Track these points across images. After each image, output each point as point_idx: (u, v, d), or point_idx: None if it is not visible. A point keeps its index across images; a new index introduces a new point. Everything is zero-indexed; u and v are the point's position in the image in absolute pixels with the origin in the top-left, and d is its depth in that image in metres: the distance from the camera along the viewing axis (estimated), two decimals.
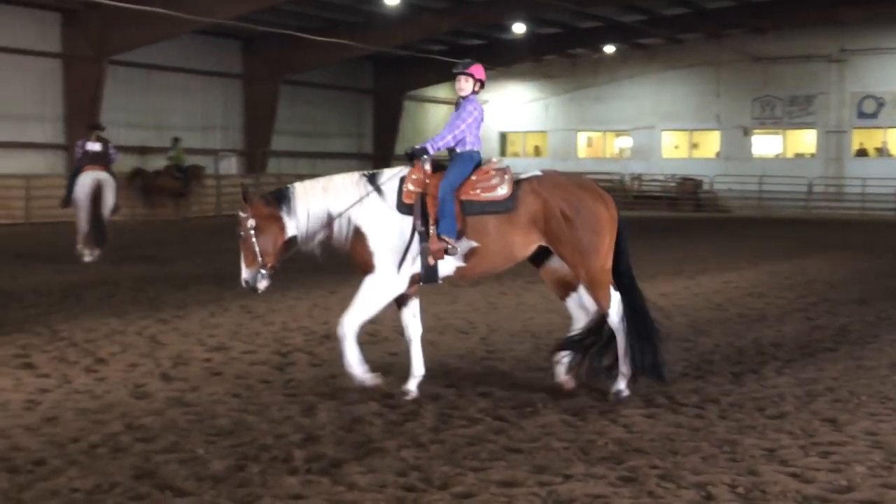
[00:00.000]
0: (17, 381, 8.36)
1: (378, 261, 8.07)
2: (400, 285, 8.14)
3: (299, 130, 41.72)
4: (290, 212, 8.17)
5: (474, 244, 8.02)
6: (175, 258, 19.27)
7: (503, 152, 50.98)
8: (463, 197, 8.01)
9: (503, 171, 8.18)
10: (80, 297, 13.51)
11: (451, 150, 8.25)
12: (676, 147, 47.34)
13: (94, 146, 18.84)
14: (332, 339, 10.50)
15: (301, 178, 30.37)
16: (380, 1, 34.03)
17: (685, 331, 11.35)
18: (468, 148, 8.23)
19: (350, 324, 8.15)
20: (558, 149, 49.10)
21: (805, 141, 44.27)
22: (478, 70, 8.41)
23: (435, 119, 49.90)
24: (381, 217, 8.09)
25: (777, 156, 44.80)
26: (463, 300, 13.74)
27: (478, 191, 8.03)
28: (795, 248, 22.71)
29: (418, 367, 8.26)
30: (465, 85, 8.34)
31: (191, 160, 34.20)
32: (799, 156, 44.45)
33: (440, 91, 49.36)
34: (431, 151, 8.14)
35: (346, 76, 43.91)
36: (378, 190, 8.16)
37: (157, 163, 33.07)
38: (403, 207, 8.06)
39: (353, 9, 36.30)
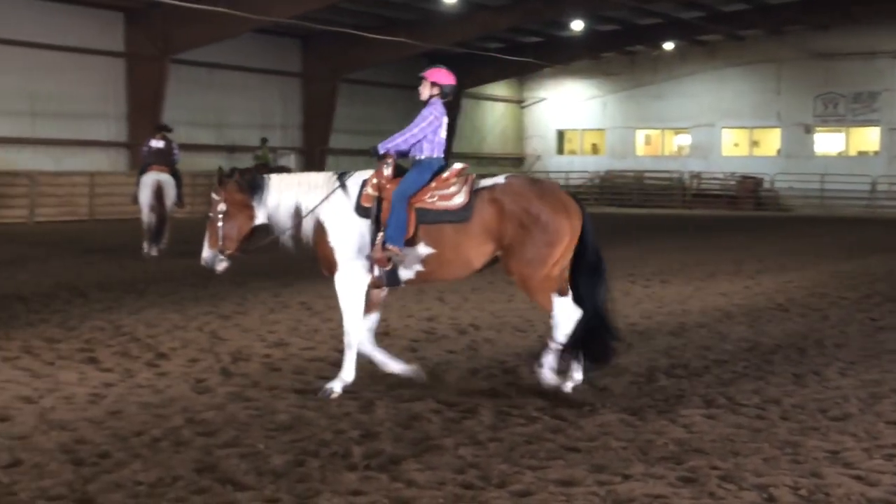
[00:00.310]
0: (82, 375, 8.50)
1: (339, 258, 8.12)
2: (365, 279, 8.12)
3: (357, 128, 41.90)
4: (261, 202, 8.30)
5: (432, 251, 7.97)
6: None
7: (560, 150, 50.83)
8: (419, 205, 7.95)
9: (464, 178, 8.06)
10: (142, 293, 13.70)
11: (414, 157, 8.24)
12: (736, 145, 46.79)
13: (158, 144, 19.46)
14: (389, 336, 10.57)
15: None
16: None
17: (745, 331, 11.23)
18: (426, 154, 8.17)
19: (351, 332, 8.18)
20: (616, 147, 48.79)
21: (868, 138, 43.51)
22: (435, 74, 8.39)
23: (493, 117, 49.86)
24: (342, 216, 8.13)
25: (839, 154, 44.09)
26: (520, 297, 13.69)
27: (434, 199, 7.96)
28: (858, 248, 22.37)
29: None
30: (422, 90, 8.35)
31: (248, 159, 34.56)
32: (862, 154, 43.70)
33: (498, 89, 49.31)
34: (381, 151, 8.19)
35: (403, 74, 43.95)
36: (344, 189, 8.20)
37: (245, 162, 33.42)
38: (361, 210, 8.08)
39: (411, 7, 36.38)
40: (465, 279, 8.60)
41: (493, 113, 49.93)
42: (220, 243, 8.32)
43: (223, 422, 7.06)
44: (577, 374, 8.05)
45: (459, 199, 7.91)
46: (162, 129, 20.02)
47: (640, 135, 49.10)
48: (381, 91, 42.93)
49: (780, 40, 43.54)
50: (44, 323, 11.10)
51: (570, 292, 8.03)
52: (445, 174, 8.06)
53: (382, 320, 11.50)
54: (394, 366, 8.31)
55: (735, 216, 36.82)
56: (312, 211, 8.15)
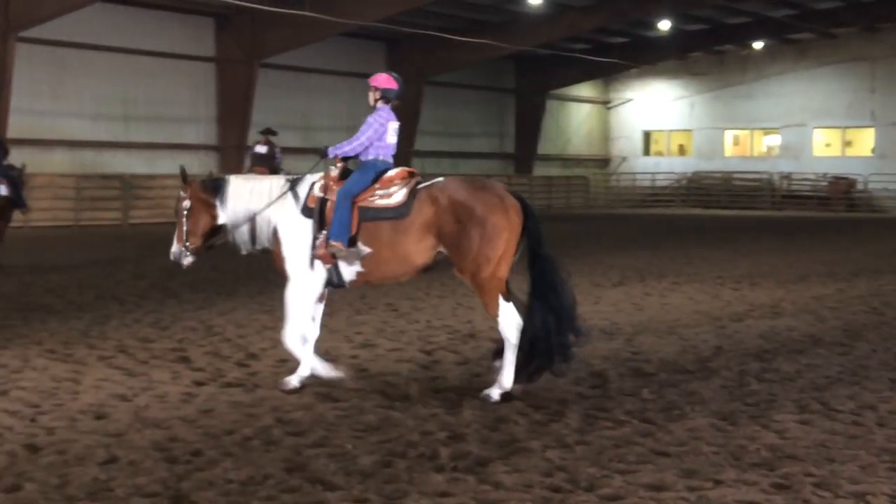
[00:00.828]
0: (175, 374, 8.66)
1: (289, 265, 8.30)
2: (317, 284, 8.26)
3: (442, 130, 42.04)
4: (223, 202, 8.56)
5: (369, 250, 8.04)
6: None
7: (647, 151, 50.37)
8: (361, 203, 8.06)
9: (407, 178, 8.18)
10: (231, 294, 13.91)
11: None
12: (828, 145, 45.84)
13: (261, 149, 20.61)
14: (476, 338, 10.57)
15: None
16: (523, 0, 34.01)
17: (839, 335, 10.98)
18: (372, 157, 8.34)
19: (289, 337, 8.37)
20: (703, 148, 48.17)
21: None
22: (377, 80, 8.58)
23: (577, 118, 49.59)
24: (291, 220, 8.28)
25: None
26: (606, 301, 13.61)
27: (375, 198, 8.08)
28: None
29: (304, 367, 8.30)
30: (369, 96, 8.55)
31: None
32: None
33: (583, 90, 49.03)
34: (330, 155, 8.42)
35: (488, 76, 44.04)
36: (294, 193, 8.35)
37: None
38: (307, 211, 8.21)
39: (496, 9, 36.38)
40: (408, 280, 8.55)
41: (578, 114, 49.65)
42: (184, 238, 8.62)
43: (312, 422, 7.13)
44: (506, 382, 7.87)
45: (398, 198, 8.04)
46: (266, 133, 21.00)
47: (729, 135, 48.40)
48: (465, 93, 43.00)
49: (873, 38, 42.54)
50: (137, 323, 11.35)
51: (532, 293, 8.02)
52: (389, 174, 8.24)
53: (467, 322, 11.56)
54: (321, 370, 8.35)
55: (827, 218, 36.07)
56: (258, 214, 8.39)
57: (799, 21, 39.29)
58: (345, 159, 8.46)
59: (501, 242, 7.82)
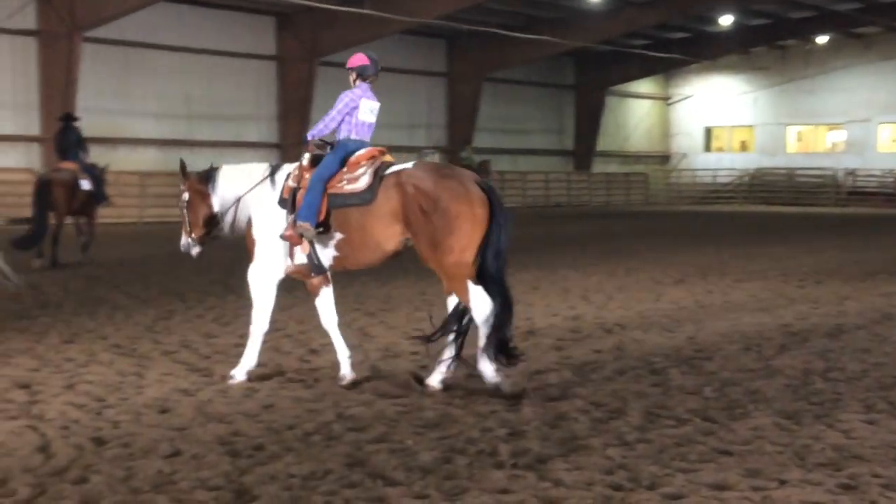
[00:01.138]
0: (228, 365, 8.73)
1: (258, 250, 8.42)
2: (277, 273, 8.42)
3: (501, 127, 41.99)
4: (214, 190, 8.77)
5: (342, 235, 8.08)
6: None
7: (707, 147, 49.88)
8: (331, 190, 8.07)
9: (374, 159, 8.16)
10: (290, 290, 13.97)
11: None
12: (894, 140, 44.99)
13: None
14: (535, 335, 10.53)
15: (502, 174, 31.14)
16: None
17: None
18: (343, 135, 8.31)
19: (256, 321, 8.48)
20: (766, 144, 47.58)
21: None
22: (351, 61, 8.61)
23: (637, 114, 49.25)
24: (267, 208, 8.36)
25: None
26: (667, 298, 13.49)
27: (343, 183, 8.07)
28: None
29: (343, 351, 8.39)
30: (349, 80, 8.58)
31: (395, 158, 35.06)
32: None
33: (643, 86, 48.68)
34: (308, 139, 8.44)
35: (547, 72, 43.89)
36: (272, 180, 8.47)
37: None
38: (282, 202, 8.29)
39: (555, 5, 36.25)
40: (381, 264, 8.52)
41: (638, 110, 49.30)
42: (189, 230, 8.94)
43: (372, 417, 7.15)
44: (439, 374, 7.99)
45: (363, 182, 8.00)
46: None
47: (792, 131, 47.75)
48: (524, 89, 42.91)
49: None
50: (200, 318, 11.48)
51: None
52: (354, 157, 8.16)
53: (526, 319, 11.53)
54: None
55: (893, 215, 35.40)
56: (241, 198, 8.55)
57: (864, 14, 38.60)
58: (322, 146, 8.43)
59: (464, 232, 7.69)
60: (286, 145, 33.17)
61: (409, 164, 8.10)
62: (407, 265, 17.19)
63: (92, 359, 9.09)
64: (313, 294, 8.63)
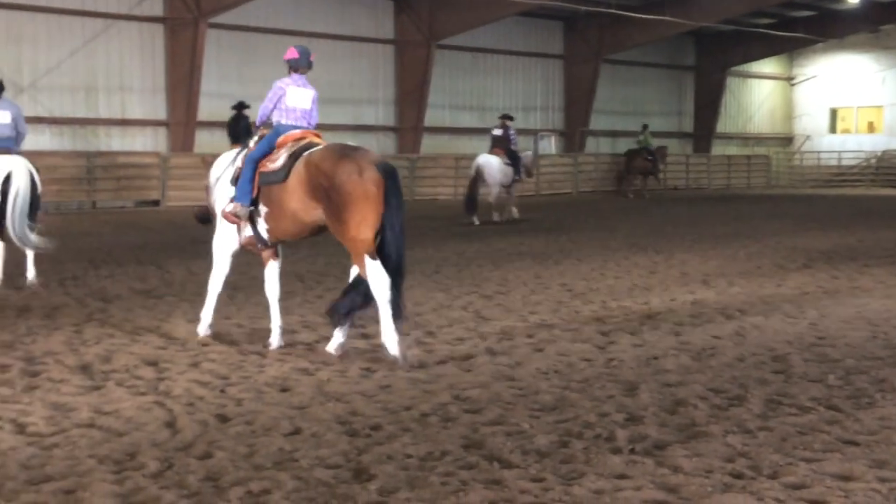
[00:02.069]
0: (356, 350, 8.86)
1: (216, 224, 9.28)
2: (232, 245, 9.21)
3: (618, 109, 41.53)
4: (209, 175, 9.67)
5: (266, 210, 8.76)
6: (491, 236, 19.73)
7: (833, 129, 48.46)
8: (261, 169, 8.75)
9: (297, 143, 8.77)
10: (407, 272, 14.10)
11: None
12: None
13: (497, 132, 22.93)
14: (653, 319, 10.42)
15: (616, 157, 30.87)
16: None
17: None
18: (276, 120, 8.98)
19: (211, 281, 9.35)
20: (895, 124, 45.93)
21: None
22: (285, 55, 9.33)
23: (759, 95, 48.11)
24: (224, 187, 9.19)
25: None
26: (790, 283, 13.18)
27: (267, 162, 8.74)
28: None
29: (276, 320, 9.08)
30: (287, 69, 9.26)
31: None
32: None
33: (766, 66, 47.53)
34: (258, 124, 9.29)
35: (666, 53, 43.20)
36: (234, 163, 9.17)
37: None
38: (233, 181, 9.04)
39: None
40: (309, 235, 9.00)
41: (760, 91, 48.16)
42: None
43: (488, 400, 7.17)
44: (340, 338, 8.61)
45: (280, 162, 8.65)
46: (504, 118, 23.12)
47: None
48: (643, 71, 42.33)
49: None
50: (318, 299, 11.67)
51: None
52: (281, 139, 8.84)
53: (644, 303, 11.42)
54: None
55: None
56: (217, 181, 9.35)
57: None
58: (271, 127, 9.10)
59: (357, 209, 8.14)
60: (403, 129, 33.42)
61: (322, 146, 8.71)
62: (522, 249, 17.21)
63: (215, 337, 9.32)
64: (263, 264, 9.32)
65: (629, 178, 35.20)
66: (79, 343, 9.04)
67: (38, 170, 12.41)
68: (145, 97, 27.94)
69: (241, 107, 19.87)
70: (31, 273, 12.61)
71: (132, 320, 10.20)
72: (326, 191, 8.24)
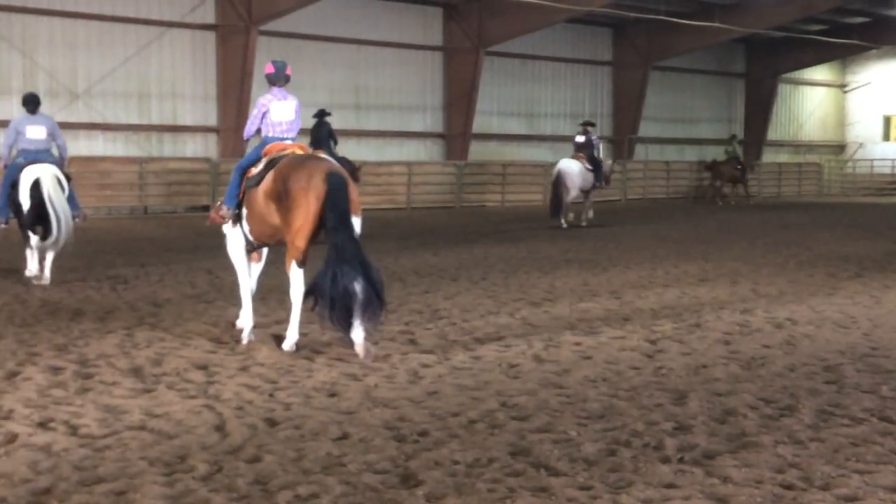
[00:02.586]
0: (403, 356, 8.89)
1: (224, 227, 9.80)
2: (239, 243, 9.64)
3: (667, 116, 41.27)
4: None
5: (246, 211, 9.36)
6: (539, 242, 19.68)
7: (886, 136, 47.78)
8: (247, 174, 9.36)
9: (279, 152, 9.28)
10: (455, 279, 14.15)
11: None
12: None
13: (580, 138, 23.93)
14: (702, 328, 10.34)
15: (667, 164, 30.93)
16: None
17: None
18: (264, 134, 9.52)
19: (239, 284, 9.77)
20: None
21: None
22: (264, 70, 9.93)
23: (811, 102, 47.58)
24: None
25: None
26: (842, 293, 13.02)
27: (252, 169, 9.35)
28: None
29: (249, 316, 9.59)
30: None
31: (558, 148, 35.19)
32: None
33: (818, 73, 47.00)
34: (244, 139, 10.19)
35: (716, 60, 42.87)
36: None
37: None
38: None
39: None
40: (276, 241, 9.36)
41: (811, 98, 47.62)
42: None
43: (535, 407, 7.16)
44: (290, 336, 9.04)
45: (259, 168, 9.25)
46: (586, 125, 24.11)
47: None
48: (692, 78, 42.04)
49: None
50: None
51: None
52: (266, 148, 9.42)
53: (693, 311, 11.34)
54: (245, 320, 9.60)
55: None
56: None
57: None
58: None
59: (299, 216, 8.65)
60: (451, 135, 33.46)
61: (294, 154, 9.26)
62: (570, 256, 17.15)
63: (264, 342, 9.39)
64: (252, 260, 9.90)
65: (718, 187, 35.44)
66: (130, 346, 9.16)
67: (67, 176, 13.29)
68: (196, 104, 28.23)
69: (322, 114, 21.06)
70: (47, 272, 13.11)
71: (182, 324, 10.31)
72: (280, 195, 8.81)
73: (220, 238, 10.03)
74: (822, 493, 5.40)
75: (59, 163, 13.42)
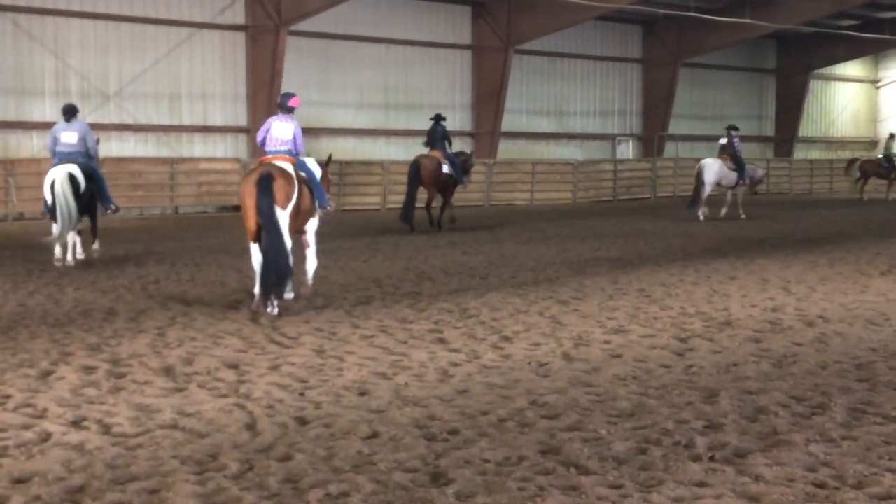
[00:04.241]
0: (432, 355, 8.91)
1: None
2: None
3: (697, 113, 41.08)
4: None
5: None
6: (566, 237, 19.64)
7: None
8: None
9: (269, 160, 11.63)
10: (484, 277, 14.15)
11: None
12: None
13: (723, 140, 25.53)
14: (732, 327, 10.29)
15: (697, 162, 30.58)
16: None
17: None
18: (267, 147, 11.86)
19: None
20: None
21: None
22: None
23: (843, 98, 47.22)
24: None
25: None
26: (874, 289, 12.91)
27: None
28: None
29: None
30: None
31: (587, 146, 35.13)
32: None
33: (849, 68, 46.64)
34: (258, 143, 12.11)
35: (746, 56, 42.62)
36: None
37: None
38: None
39: None
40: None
41: (843, 94, 47.25)
42: None
43: (565, 405, 7.16)
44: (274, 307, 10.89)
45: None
46: (730, 129, 25.61)
47: None
48: (723, 74, 41.83)
49: None
50: (397, 304, 11.74)
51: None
52: (262, 158, 11.91)
53: (723, 310, 11.28)
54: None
55: None
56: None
57: None
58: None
59: (244, 207, 11.19)
60: (480, 134, 33.45)
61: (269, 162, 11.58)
62: (599, 254, 17.11)
63: (295, 341, 9.44)
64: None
65: (864, 183, 35.26)
66: (162, 346, 9.23)
67: (88, 174, 15.19)
68: (227, 104, 28.39)
69: (437, 118, 22.71)
70: (69, 257, 15.15)
71: (213, 324, 10.37)
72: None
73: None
74: (855, 491, 5.37)
75: (88, 164, 15.32)
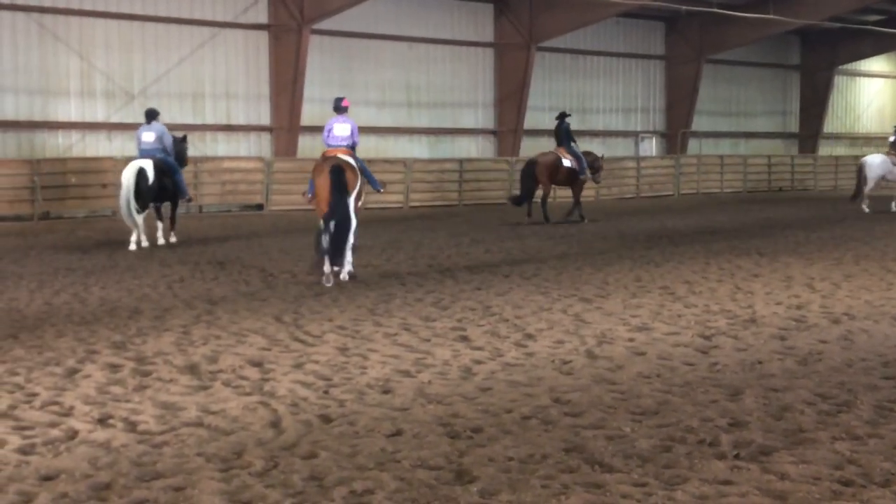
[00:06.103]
0: (455, 352, 8.91)
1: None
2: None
3: (721, 110, 40.90)
4: None
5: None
6: (591, 239, 19.61)
7: None
8: None
9: (330, 154, 13.70)
10: (507, 275, 14.14)
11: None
12: None
13: (892, 138, 26.62)
14: (757, 324, 10.24)
15: (721, 159, 30.82)
16: None
17: None
18: (328, 143, 14.16)
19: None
20: None
21: None
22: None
23: (868, 94, 46.89)
24: None
25: None
26: None
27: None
28: None
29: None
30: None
31: (610, 143, 34.96)
32: None
33: (874, 64, 46.31)
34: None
35: (770, 52, 42.40)
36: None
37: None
38: None
39: None
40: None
41: (868, 90, 46.93)
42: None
43: (588, 403, 7.15)
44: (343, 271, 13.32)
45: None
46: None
47: None
48: (747, 70, 41.62)
49: None
50: (419, 302, 11.75)
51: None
52: (325, 152, 13.97)
53: (748, 307, 11.23)
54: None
55: None
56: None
57: None
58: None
59: (317, 193, 13.39)
60: (503, 131, 33.44)
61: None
62: (622, 252, 17.07)
63: (319, 339, 9.47)
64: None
65: None
66: (187, 344, 9.28)
67: (162, 169, 17.94)
68: (250, 103, 28.49)
69: (562, 116, 23.80)
70: (171, 237, 18.54)
71: (237, 322, 10.42)
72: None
73: (273, 237, 10.22)
74: (882, 489, 5.33)
75: (164, 159, 18.06)
